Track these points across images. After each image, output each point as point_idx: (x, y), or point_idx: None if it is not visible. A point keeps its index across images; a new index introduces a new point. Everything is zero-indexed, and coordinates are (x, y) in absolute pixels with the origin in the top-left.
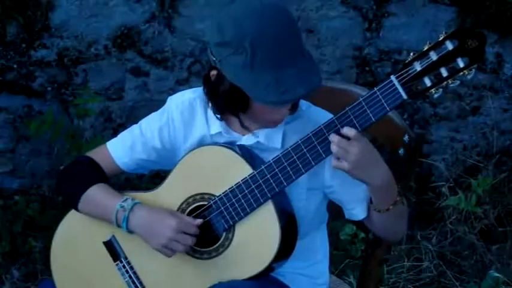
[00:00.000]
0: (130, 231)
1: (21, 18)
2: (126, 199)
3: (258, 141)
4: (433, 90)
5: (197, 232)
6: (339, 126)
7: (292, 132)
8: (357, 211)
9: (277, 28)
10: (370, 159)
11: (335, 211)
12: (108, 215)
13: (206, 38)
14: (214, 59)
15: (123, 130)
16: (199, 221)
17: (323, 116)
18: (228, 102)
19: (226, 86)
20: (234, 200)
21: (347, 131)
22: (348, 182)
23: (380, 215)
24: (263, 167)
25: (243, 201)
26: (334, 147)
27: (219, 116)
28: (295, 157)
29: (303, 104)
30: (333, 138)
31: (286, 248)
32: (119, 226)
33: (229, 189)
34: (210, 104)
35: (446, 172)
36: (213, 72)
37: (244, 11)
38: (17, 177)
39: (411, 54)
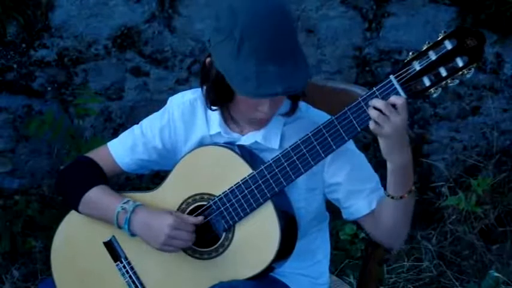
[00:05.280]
0: (132, 234)
1: (21, 18)
2: (128, 201)
3: (256, 142)
4: (432, 90)
5: (193, 228)
6: (338, 126)
7: (290, 133)
8: (359, 206)
9: (270, 24)
10: (403, 136)
11: (335, 211)
12: (109, 216)
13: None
14: (209, 44)
15: (123, 130)
16: (199, 218)
17: (322, 117)
18: (215, 90)
19: (214, 73)
20: (233, 200)
21: (395, 99)
22: (354, 176)
23: (392, 204)
24: (262, 167)
25: (242, 201)
26: (374, 113)
27: (213, 108)
28: (294, 157)
29: (302, 105)
30: (380, 103)
31: (286, 248)
32: (120, 228)
33: (228, 189)
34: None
35: (446, 172)
36: (208, 59)
37: (244, 1)
38: (17, 177)
39: (410, 53)
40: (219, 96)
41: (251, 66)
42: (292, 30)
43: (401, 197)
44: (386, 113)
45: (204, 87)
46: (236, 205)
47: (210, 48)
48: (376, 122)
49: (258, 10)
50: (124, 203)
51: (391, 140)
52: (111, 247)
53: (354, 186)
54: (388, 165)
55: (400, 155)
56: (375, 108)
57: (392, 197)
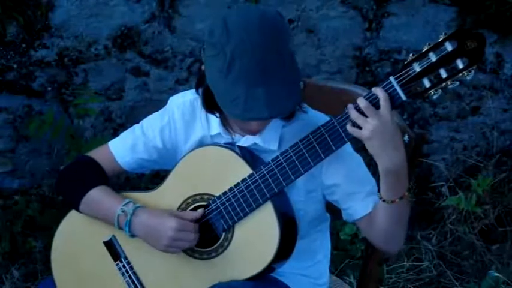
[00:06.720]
0: (132, 235)
1: (21, 18)
2: (128, 203)
3: (255, 143)
4: (432, 91)
5: (197, 227)
6: (338, 127)
7: (289, 135)
8: (356, 208)
9: (263, 45)
10: (391, 138)
11: (335, 211)
12: (109, 218)
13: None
14: (203, 55)
15: (123, 130)
16: (199, 211)
17: (321, 118)
18: (207, 98)
19: (205, 84)
20: (233, 201)
21: (382, 100)
22: (351, 178)
23: (384, 208)
24: (262, 167)
25: (242, 201)
26: (354, 113)
27: (208, 110)
28: (294, 157)
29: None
30: (362, 102)
31: (285, 249)
32: (120, 229)
33: (228, 189)
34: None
35: (446, 172)
36: (203, 67)
37: (238, 18)
38: (17, 177)
39: (410, 55)
40: (209, 105)
41: (240, 88)
42: (285, 51)
43: (392, 202)
44: (366, 114)
45: (200, 90)
46: (235, 205)
47: (203, 58)
48: (354, 124)
49: (252, 30)
50: (124, 205)
51: (371, 142)
52: (110, 247)
53: (350, 188)
54: (378, 166)
55: (387, 157)
56: (357, 108)
57: (384, 200)
